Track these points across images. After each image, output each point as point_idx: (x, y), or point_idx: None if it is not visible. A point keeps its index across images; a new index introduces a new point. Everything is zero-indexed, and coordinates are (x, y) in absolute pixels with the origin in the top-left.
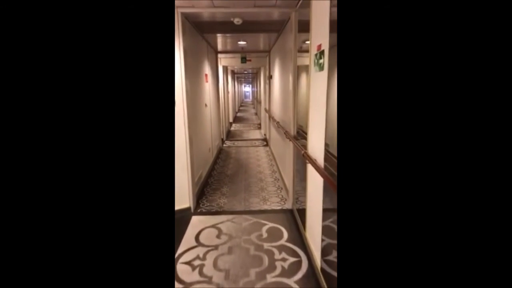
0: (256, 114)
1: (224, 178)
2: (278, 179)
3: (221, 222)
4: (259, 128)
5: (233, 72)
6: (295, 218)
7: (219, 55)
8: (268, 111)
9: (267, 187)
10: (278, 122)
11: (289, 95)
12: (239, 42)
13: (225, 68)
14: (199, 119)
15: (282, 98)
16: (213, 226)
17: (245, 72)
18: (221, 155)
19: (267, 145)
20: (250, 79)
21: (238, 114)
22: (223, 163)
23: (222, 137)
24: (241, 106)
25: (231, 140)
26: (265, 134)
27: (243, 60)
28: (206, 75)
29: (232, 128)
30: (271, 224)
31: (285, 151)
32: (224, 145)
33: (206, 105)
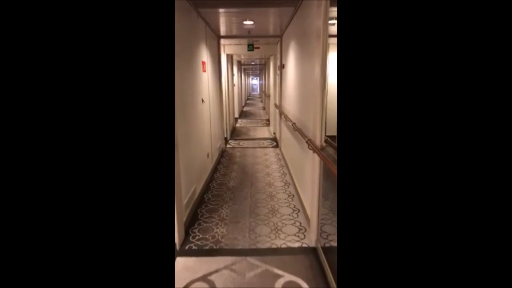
0: (264, 108)
1: (224, 193)
2: (293, 196)
3: (216, 271)
4: (268, 124)
5: (239, 63)
6: (321, 265)
7: (222, 41)
8: (279, 107)
9: (279, 207)
10: (294, 124)
11: (314, 90)
12: (245, 22)
13: (230, 57)
14: (192, 118)
15: (300, 93)
16: (203, 278)
17: (253, 63)
18: (223, 159)
19: (277, 146)
20: (258, 71)
21: (245, 108)
22: (225, 170)
23: (225, 136)
24: (248, 99)
25: (236, 140)
26: (274, 133)
27: (250, 47)
28: (203, 63)
29: (237, 125)
30: (287, 276)
31: (303, 162)
32: (228, 145)
33: (203, 100)
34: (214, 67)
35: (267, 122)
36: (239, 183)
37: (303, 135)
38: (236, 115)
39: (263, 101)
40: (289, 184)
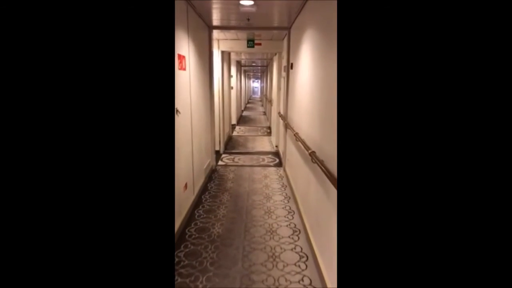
0: (264, 113)
1: (205, 248)
2: (306, 257)
3: None
4: (269, 134)
5: (239, 64)
6: None
7: (216, 34)
8: (284, 118)
9: (288, 285)
10: (313, 153)
11: None
12: (242, 3)
13: (227, 55)
14: None
15: (321, 104)
16: None
17: (254, 64)
18: (211, 183)
19: (280, 164)
20: (259, 73)
21: (244, 113)
22: (211, 203)
23: (218, 148)
24: (248, 102)
25: (231, 153)
26: (277, 146)
27: (251, 43)
28: (181, 57)
29: (235, 133)
30: None
31: (327, 215)
32: (220, 162)
33: (177, 111)
34: (202, 65)
35: (268, 131)
36: (227, 229)
37: (331, 178)
38: (234, 122)
39: (264, 105)
40: (299, 231)
